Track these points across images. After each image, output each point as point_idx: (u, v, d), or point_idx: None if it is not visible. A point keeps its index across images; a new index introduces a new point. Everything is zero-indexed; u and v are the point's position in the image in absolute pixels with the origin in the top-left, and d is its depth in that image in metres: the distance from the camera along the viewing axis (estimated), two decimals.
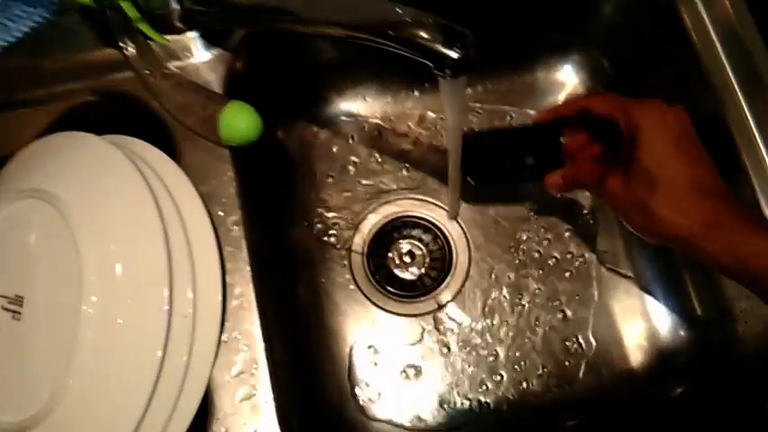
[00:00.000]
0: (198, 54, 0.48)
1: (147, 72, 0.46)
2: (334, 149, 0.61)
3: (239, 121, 0.43)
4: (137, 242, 0.40)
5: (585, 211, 0.60)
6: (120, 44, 0.46)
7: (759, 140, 0.48)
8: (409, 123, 0.62)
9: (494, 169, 0.53)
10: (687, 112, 0.40)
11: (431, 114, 0.63)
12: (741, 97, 0.49)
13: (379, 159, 0.61)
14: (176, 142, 0.46)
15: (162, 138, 0.45)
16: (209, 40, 0.48)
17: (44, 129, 0.46)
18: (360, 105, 0.62)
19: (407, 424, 0.54)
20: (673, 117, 0.39)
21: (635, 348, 0.57)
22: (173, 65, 0.47)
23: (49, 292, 0.40)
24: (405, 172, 0.61)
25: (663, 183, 0.38)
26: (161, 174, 0.43)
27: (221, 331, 0.42)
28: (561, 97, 0.64)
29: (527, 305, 0.58)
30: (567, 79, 0.64)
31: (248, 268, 0.44)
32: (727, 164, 0.48)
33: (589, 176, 0.44)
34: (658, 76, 0.57)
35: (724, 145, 0.49)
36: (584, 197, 0.61)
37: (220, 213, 0.45)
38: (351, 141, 0.62)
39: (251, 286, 0.44)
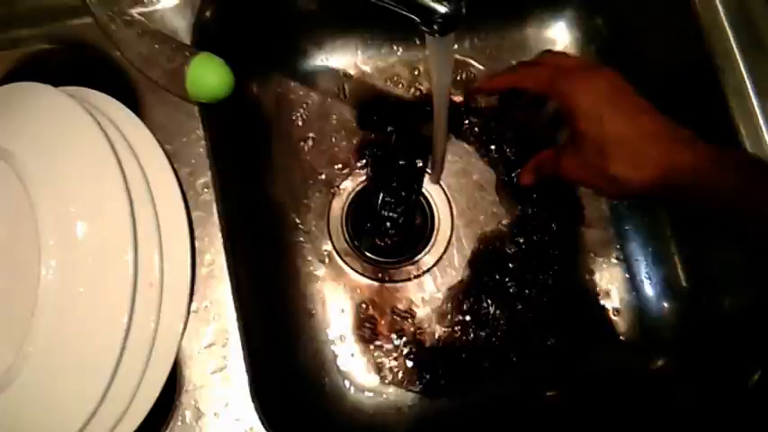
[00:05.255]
0: None
1: (107, 18, 0.42)
2: (313, 107, 0.58)
3: (208, 76, 0.40)
4: (98, 203, 0.37)
5: None
6: None
7: (756, 107, 0.46)
8: (392, 80, 0.59)
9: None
10: (615, 72, 0.40)
11: (414, 72, 0.59)
12: (740, 61, 0.47)
13: (359, 118, 0.58)
14: (140, 96, 0.43)
15: (124, 91, 0.42)
16: None
17: None
18: (340, 59, 0.59)
19: (388, 390, 0.54)
20: (601, 79, 0.40)
21: (618, 319, 0.56)
22: (136, 11, 0.44)
23: (4, 255, 0.38)
24: (386, 131, 0.58)
25: (610, 145, 0.38)
26: (123, 130, 0.40)
27: (191, 300, 0.40)
28: None
29: (510, 273, 0.56)
30: (558, 37, 0.61)
31: (219, 234, 0.42)
32: (722, 130, 0.47)
33: (549, 165, 0.44)
34: (654, 37, 0.55)
35: (719, 111, 0.47)
36: None
37: (188, 175, 0.42)
38: (330, 98, 0.58)
39: (222, 253, 0.42)
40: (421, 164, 0.57)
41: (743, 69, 0.47)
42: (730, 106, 0.47)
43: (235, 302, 0.41)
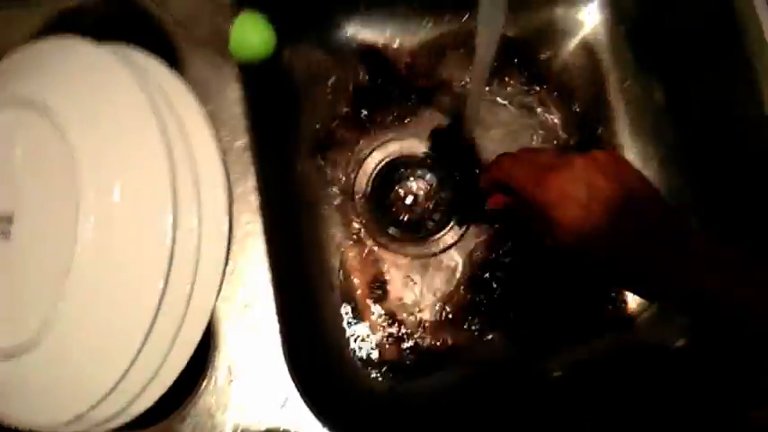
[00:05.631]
0: None
1: None
2: (342, 79, 0.57)
3: (252, 35, 0.39)
4: (138, 161, 0.37)
5: None
6: None
7: None
8: (422, 55, 0.59)
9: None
10: (598, 169, 0.37)
11: (446, 47, 0.59)
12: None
13: (389, 94, 0.58)
14: (180, 55, 0.42)
15: (164, 49, 0.42)
16: None
17: (35, 32, 0.42)
18: (370, 33, 0.58)
19: (407, 364, 0.54)
20: (577, 189, 0.37)
21: (635, 298, 0.56)
22: None
23: (41, 211, 0.37)
24: (416, 108, 0.58)
25: (589, 253, 0.37)
26: (164, 88, 0.39)
27: (227, 261, 0.40)
28: (578, 39, 0.61)
29: (527, 252, 0.56)
30: (587, 18, 0.60)
31: (256, 196, 0.41)
32: (753, 113, 0.47)
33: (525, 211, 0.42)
34: (682, 15, 0.54)
35: (750, 93, 0.47)
36: None
37: (226, 136, 0.42)
38: (360, 71, 0.58)
39: (258, 216, 0.41)
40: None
41: None
42: (762, 87, 0.46)
43: (269, 265, 0.41)
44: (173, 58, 0.41)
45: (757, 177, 0.49)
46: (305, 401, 0.40)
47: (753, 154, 0.49)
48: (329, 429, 0.40)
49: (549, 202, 0.37)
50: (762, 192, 0.48)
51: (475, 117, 0.50)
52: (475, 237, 0.56)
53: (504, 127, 0.58)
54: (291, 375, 0.40)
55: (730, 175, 0.51)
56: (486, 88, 0.57)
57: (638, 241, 0.36)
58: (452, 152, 0.54)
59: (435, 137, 0.54)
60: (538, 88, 0.59)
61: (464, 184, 0.51)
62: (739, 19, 0.47)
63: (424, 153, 0.57)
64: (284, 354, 0.40)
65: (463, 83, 0.58)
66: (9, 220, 0.37)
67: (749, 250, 0.35)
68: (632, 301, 0.56)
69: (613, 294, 0.56)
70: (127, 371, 0.37)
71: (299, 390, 0.40)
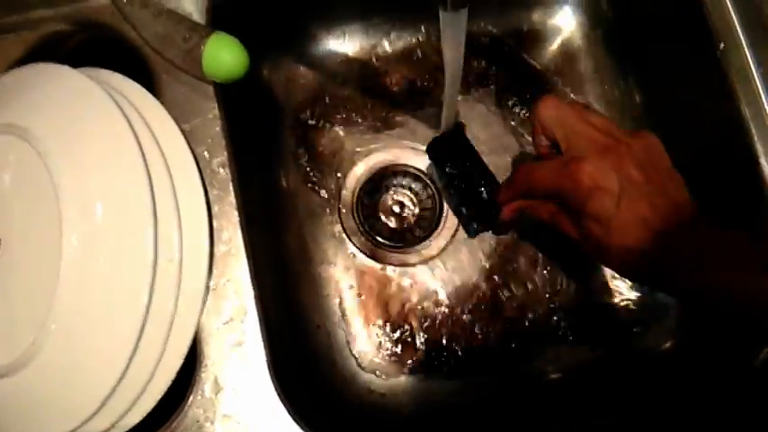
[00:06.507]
0: None
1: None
2: (323, 91, 0.58)
3: (224, 55, 0.40)
4: (118, 181, 0.38)
5: None
6: None
7: (761, 89, 0.47)
8: (401, 65, 0.60)
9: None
10: (628, 161, 0.38)
11: (424, 56, 0.60)
12: (744, 43, 0.47)
13: (369, 104, 0.59)
14: (156, 77, 0.43)
15: (141, 72, 0.43)
16: None
17: (14, 60, 0.43)
18: (349, 44, 0.59)
19: (398, 372, 0.54)
20: (608, 185, 0.37)
21: (625, 301, 0.57)
22: None
23: (27, 233, 0.38)
24: (396, 117, 0.59)
25: (612, 248, 0.38)
26: (141, 110, 0.40)
27: (209, 277, 0.41)
28: (556, 44, 0.62)
29: (516, 258, 0.57)
30: (564, 23, 0.61)
31: (236, 212, 0.42)
32: (726, 113, 0.47)
33: (545, 214, 0.43)
34: (657, 20, 0.55)
35: (723, 94, 0.48)
36: None
37: (205, 154, 0.43)
38: (340, 82, 0.59)
39: (239, 231, 0.42)
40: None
41: (746, 49, 0.47)
42: (735, 89, 0.47)
43: (252, 280, 0.42)
44: (149, 80, 0.43)
45: (732, 177, 0.49)
46: (290, 411, 0.40)
47: (727, 154, 0.50)
48: None
49: (585, 191, 0.37)
50: (738, 191, 0.49)
51: (451, 122, 0.50)
52: (465, 241, 0.57)
53: (486, 129, 0.59)
54: (276, 387, 0.41)
55: (707, 176, 0.52)
56: (460, 97, 0.58)
57: (652, 229, 0.36)
58: (454, 160, 0.54)
59: (435, 145, 0.53)
60: (518, 92, 0.59)
61: (471, 193, 0.50)
62: (710, 20, 0.48)
63: (416, 168, 0.58)
64: (269, 365, 0.41)
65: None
66: None
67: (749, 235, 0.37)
68: (624, 303, 0.57)
69: (605, 296, 0.57)
70: (116, 386, 0.37)
71: (284, 400, 0.41)
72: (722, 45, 0.48)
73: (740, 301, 0.35)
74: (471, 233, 0.56)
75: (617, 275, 0.56)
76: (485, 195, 0.49)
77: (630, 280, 0.39)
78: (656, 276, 0.38)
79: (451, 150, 0.51)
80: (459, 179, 0.51)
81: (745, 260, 0.35)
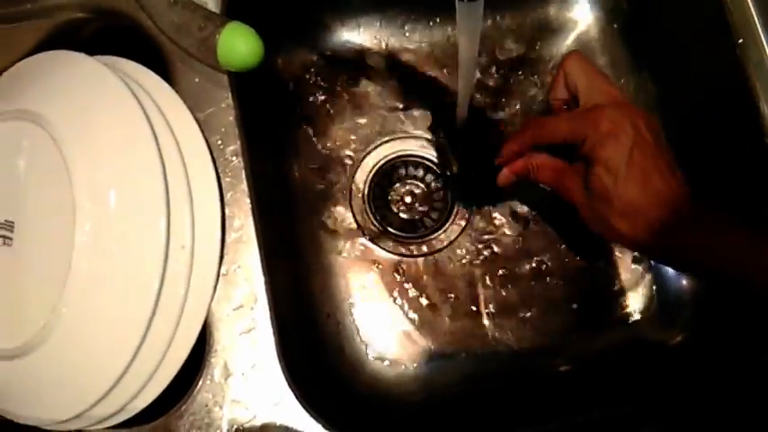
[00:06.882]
0: None
1: None
2: (336, 81, 0.58)
3: (239, 44, 0.40)
4: (132, 168, 0.38)
5: None
6: None
7: None
8: (415, 57, 0.60)
9: None
10: (641, 121, 0.40)
11: (438, 49, 0.60)
12: (763, 39, 0.47)
13: (382, 95, 0.59)
14: (171, 65, 0.43)
15: (156, 60, 0.43)
16: None
17: (31, 47, 0.43)
18: (363, 36, 0.59)
19: (406, 361, 0.54)
20: (624, 134, 0.39)
21: (636, 295, 0.56)
22: None
23: (40, 218, 0.39)
24: (409, 109, 0.59)
25: (617, 199, 0.39)
26: (156, 98, 0.41)
27: (220, 264, 0.41)
28: (572, 38, 0.61)
29: (526, 249, 0.57)
30: (580, 16, 0.61)
31: (248, 200, 0.43)
32: (745, 110, 0.47)
33: (549, 174, 0.44)
34: (674, 13, 0.55)
35: (742, 91, 0.47)
36: None
37: (218, 142, 0.43)
38: (353, 74, 0.59)
39: (251, 219, 0.42)
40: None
41: (765, 45, 0.47)
42: (754, 84, 0.46)
43: (263, 267, 0.42)
44: (164, 69, 0.43)
45: (750, 174, 0.49)
46: (298, 398, 0.41)
47: (744, 150, 0.49)
48: (323, 425, 0.41)
49: (603, 133, 0.39)
50: (755, 188, 0.49)
51: (465, 114, 0.50)
52: (475, 232, 0.57)
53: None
54: (285, 373, 0.41)
55: (723, 171, 0.51)
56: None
57: (662, 206, 0.39)
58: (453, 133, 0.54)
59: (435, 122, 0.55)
60: (533, 85, 0.59)
61: (467, 161, 0.52)
62: (730, 15, 0.48)
63: (428, 160, 0.58)
64: (278, 352, 0.41)
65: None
66: (11, 228, 0.38)
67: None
68: (635, 296, 0.56)
69: (616, 288, 0.57)
70: (125, 370, 0.38)
71: (292, 387, 0.41)
72: (741, 40, 0.47)
73: (733, 271, 0.37)
74: (465, 203, 0.57)
75: (629, 270, 0.56)
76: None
77: (628, 246, 0.40)
78: (654, 238, 0.39)
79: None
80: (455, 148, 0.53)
81: (737, 232, 0.38)
